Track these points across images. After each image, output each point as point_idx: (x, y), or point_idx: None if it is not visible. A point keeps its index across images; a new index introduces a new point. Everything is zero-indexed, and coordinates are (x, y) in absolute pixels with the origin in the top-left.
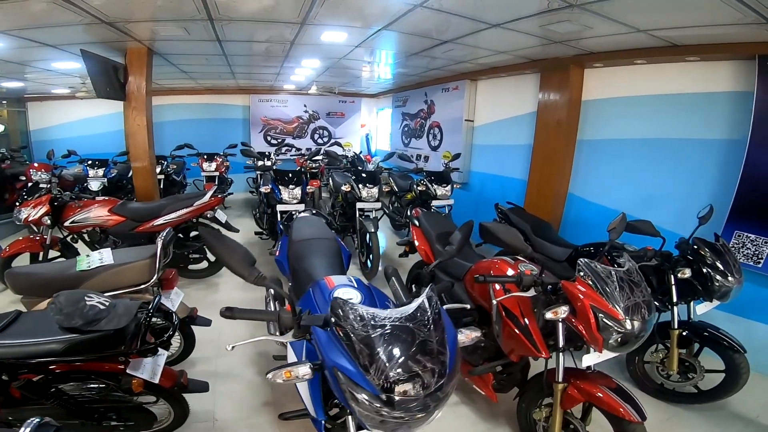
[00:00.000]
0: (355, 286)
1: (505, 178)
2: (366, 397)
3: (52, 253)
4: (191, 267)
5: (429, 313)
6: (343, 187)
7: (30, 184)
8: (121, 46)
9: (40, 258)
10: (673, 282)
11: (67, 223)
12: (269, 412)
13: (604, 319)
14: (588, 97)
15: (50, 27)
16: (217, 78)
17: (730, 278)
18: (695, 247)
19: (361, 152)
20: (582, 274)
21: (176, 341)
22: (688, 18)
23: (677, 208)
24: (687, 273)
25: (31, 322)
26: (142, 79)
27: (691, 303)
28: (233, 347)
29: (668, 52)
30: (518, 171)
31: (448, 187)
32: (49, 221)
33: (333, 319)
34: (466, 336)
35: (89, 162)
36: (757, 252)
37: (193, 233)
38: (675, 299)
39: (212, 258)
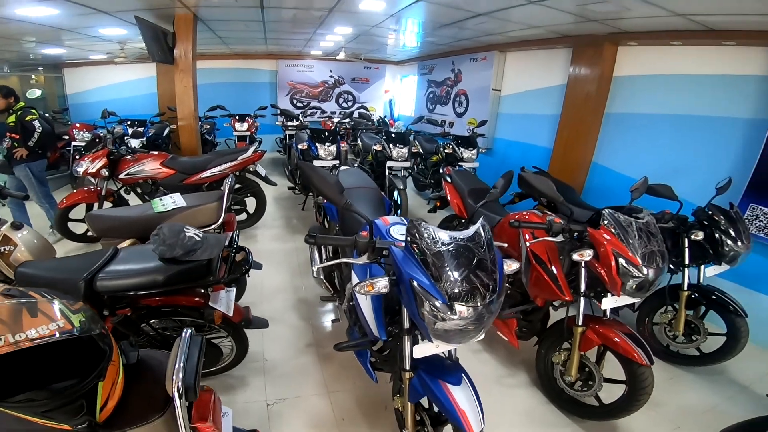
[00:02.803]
0: (406, 224)
1: (529, 145)
2: (437, 305)
3: (106, 204)
4: None
5: (484, 237)
6: (375, 147)
7: (87, 140)
8: (170, 13)
9: (95, 208)
10: (686, 244)
11: (122, 175)
12: (312, 352)
13: (624, 264)
14: (620, 73)
15: None
16: (249, 43)
17: (739, 243)
18: (710, 212)
19: (384, 116)
20: (606, 222)
21: None
22: (730, 5)
23: (698, 180)
24: (700, 235)
25: (131, 256)
26: (188, 44)
27: (702, 266)
28: (318, 269)
29: (705, 36)
30: (543, 139)
31: (474, 151)
32: (106, 173)
33: (409, 238)
34: (507, 265)
35: (129, 122)
36: None
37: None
38: (687, 261)
39: (251, 210)
